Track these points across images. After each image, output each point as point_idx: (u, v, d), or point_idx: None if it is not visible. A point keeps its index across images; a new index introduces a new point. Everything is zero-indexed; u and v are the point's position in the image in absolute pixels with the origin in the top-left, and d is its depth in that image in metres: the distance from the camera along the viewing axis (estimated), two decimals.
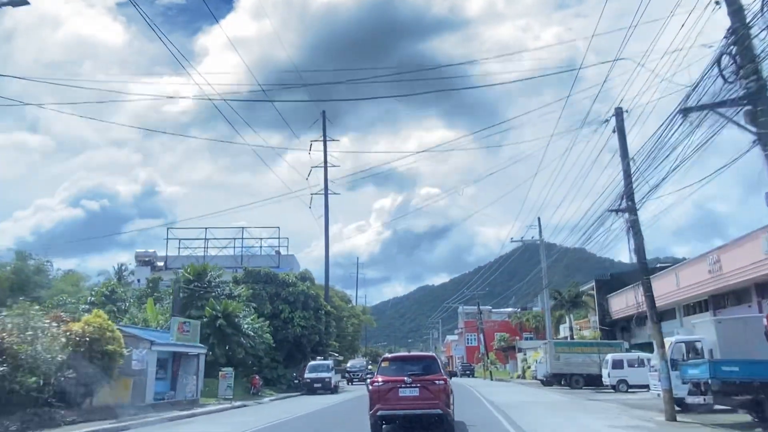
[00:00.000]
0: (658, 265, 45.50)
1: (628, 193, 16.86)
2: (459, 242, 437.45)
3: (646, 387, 32.09)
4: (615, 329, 44.55)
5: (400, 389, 12.41)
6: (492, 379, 58.17)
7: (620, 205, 17.01)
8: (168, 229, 53.38)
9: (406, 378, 12.50)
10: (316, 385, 35.46)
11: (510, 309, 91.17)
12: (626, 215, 16.96)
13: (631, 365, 32.06)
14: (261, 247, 55.67)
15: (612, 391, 31.83)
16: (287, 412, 22.22)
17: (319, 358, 41.27)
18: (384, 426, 13.02)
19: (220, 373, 26.92)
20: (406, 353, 20.39)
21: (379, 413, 12.44)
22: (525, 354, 58.03)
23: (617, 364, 32.05)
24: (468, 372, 72.59)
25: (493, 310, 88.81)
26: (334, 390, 36.85)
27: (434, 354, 16.23)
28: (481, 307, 66.69)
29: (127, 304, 37.61)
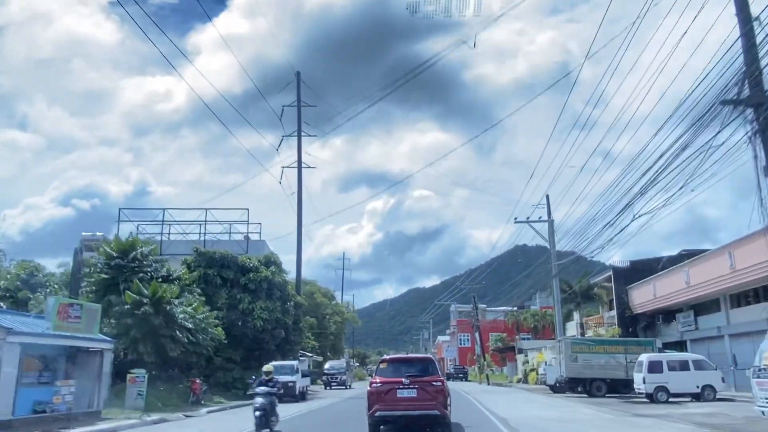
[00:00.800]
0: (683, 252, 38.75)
1: (753, 73, 9.69)
2: (450, 245, 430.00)
3: (691, 397, 25.07)
4: (636, 326, 37.47)
5: (398, 390, 12.39)
6: (488, 384, 50.95)
7: (739, 93, 9.80)
8: (120, 210, 45.71)
9: (404, 379, 12.46)
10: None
11: (504, 308, 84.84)
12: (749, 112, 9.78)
13: (672, 368, 24.96)
14: (230, 233, 48.05)
15: (647, 401, 24.77)
16: None
17: (290, 358, 33.98)
18: (382, 427, 12.93)
19: (129, 376, 19.48)
20: (404, 355, 19.93)
21: (377, 414, 12.43)
22: (526, 355, 50.90)
23: (655, 367, 24.92)
24: (461, 375, 65.29)
25: (488, 308, 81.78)
26: (301, 397, 29.59)
27: (431, 356, 15.41)
28: (476, 303, 59.27)
29: (49, 290, 30.24)
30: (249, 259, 34.23)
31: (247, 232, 47.27)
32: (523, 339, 63.44)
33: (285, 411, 22.15)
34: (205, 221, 47.28)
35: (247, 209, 46.92)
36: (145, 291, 23.67)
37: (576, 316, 44.43)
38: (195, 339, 25.28)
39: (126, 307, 23.24)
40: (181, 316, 24.31)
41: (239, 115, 41.95)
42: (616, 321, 38.30)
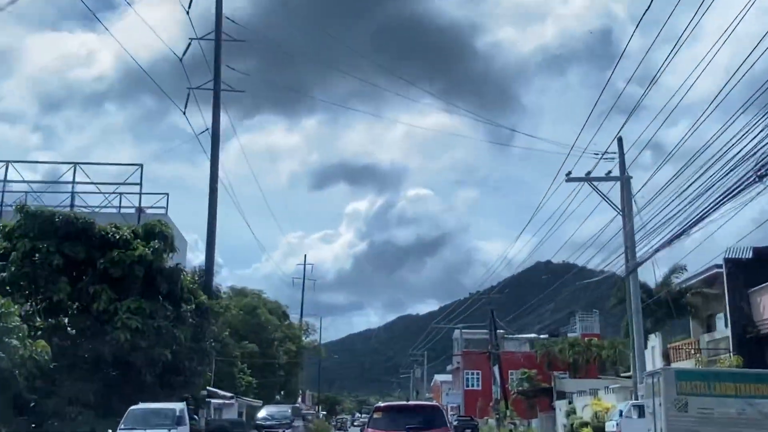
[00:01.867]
0: None
1: None
2: (452, 260, 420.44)
3: None
4: (764, 353, 28.95)
5: None
6: None
7: None
8: None
9: None
10: None
11: (529, 335, 78.24)
12: None
13: None
14: (120, 207, 39.48)
15: None
16: None
17: (186, 397, 25.35)
18: None
19: None
20: (403, 402, 21.24)
21: None
22: (571, 402, 42.87)
23: None
24: (469, 430, 56.78)
25: (506, 335, 73.35)
26: None
27: (438, 404, 16.57)
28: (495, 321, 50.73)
29: None
30: (116, 228, 25.41)
31: (140, 205, 38.93)
32: (560, 379, 55.46)
33: None
34: (74, 182, 39.00)
35: (141, 165, 38.25)
36: None
37: (655, 340, 35.85)
38: None
39: None
40: None
41: (183, 83, 32.80)
42: (730, 345, 29.79)
